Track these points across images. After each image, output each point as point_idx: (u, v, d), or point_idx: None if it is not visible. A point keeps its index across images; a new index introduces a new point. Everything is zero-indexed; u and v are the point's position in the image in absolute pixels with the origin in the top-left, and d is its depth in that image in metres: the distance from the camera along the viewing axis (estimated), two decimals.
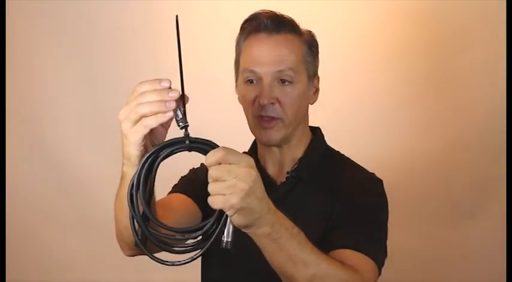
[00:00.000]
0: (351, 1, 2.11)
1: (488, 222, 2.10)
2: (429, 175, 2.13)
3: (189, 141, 0.86)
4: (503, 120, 1.87)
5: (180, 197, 1.24)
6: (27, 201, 2.25)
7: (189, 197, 1.24)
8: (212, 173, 0.83)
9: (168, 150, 0.86)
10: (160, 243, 0.88)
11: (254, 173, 0.84)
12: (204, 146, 0.87)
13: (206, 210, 1.22)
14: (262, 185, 0.86)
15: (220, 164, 0.83)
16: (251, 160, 0.85)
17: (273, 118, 1.18)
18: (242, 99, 1.23)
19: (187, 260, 0.89)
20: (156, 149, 0.87)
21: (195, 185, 1.25)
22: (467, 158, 2.13)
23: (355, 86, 2.13)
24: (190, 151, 0.87)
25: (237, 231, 0.87)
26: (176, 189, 1.28)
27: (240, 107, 1.26)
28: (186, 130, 0.87)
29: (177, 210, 1.17)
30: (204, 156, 0.86)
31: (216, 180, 0.83)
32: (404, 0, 2.09)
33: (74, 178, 2.24)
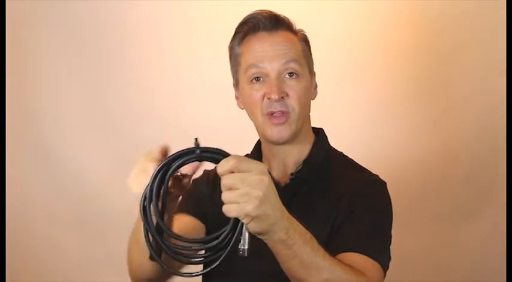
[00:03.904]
0: (348, 1, 2.10)
1: (488, 222, 2.10)
2: (429, 175, 2.13)
3: (200, 151, 0.87)
4: (503, 119, 1.87)
5: (184, 220, 1.24)
6: (27, 200, 2.25)
7: (192, 216, 1.25)
8: (225, 181, 0.84)
9: (179, 162, 0.87)
10: (176, 255, 0.88)
11: (267, 179, 0.85)
12: (215, 155, 0.87)
13: (207, 223, 1.24)
14: (276, 192, 0.88)
15: (232, 172, 0.84)
16: (263, 167, 0.86)
17: (283, 113, 1.18)
18: (248, 99, 1.22)
19: (206, 270, 0.90)
20: (166, 161, 0.87)
21: (195, 200, 1.26)
22: (467, 157, 2.13)
23: (354, 85, 2.13)
24: (201, 161, 0.88)
25: (252, 238, 0.88)
26: (178, 208, 1.28)
27: (237, 111, 1.25)
28: (197, 140, 0.88)
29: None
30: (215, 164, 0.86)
31: (229, 188, 0.84)
32: (403, 0, 2.09)
33: (74, 178, 2.24)
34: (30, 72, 2.24)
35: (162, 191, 0.89)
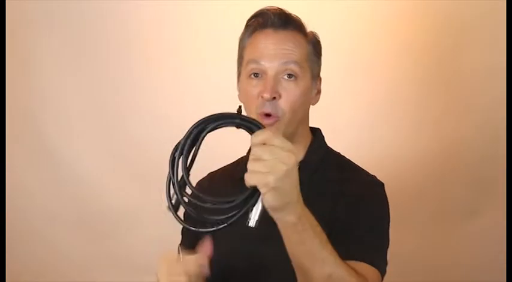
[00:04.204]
0: (349, 1, 2.10)
1: (488, 222, 2.10)
2: (428, 175, 2.13)
3: (240, 119, 0.90)
4: (503, 119, 1.87)
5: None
6: (27, 200, 2.25)
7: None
8: (255, 151, 0.87)
9: (217, 123, 0.89)
10: (190, 209, 0.90)
11: (294, 158, 0.88)
12: (252, 125, 0.90)
13: None
14: (298, 175, 0.90)
15: (264, 144, 0.87)
16: (293, 146, 0.89)
17: (272, 116, 1.16)
18: (245, 95, 1.21)
19: (214, 229, 0.92)
20: (205, 119, 0.89)
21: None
22: (467, 157, 2.13)
23: (354, 86, 2.13)
24: (238, 128, 0.90)
25: (265, 216, 0.90)
26: (184, 244, 1.30)
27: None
28: (240, 108, 0.91)
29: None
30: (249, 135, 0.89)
31: (257, 159, 0.87)
32: (403, 1, 2.10)
33: (74, 178, 2.24)
34: (30, 72, 2.24)
35: (194, 149, 0.90)
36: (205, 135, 0.89)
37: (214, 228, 0.91)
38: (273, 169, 0.86)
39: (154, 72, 2.19)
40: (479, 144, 2.11)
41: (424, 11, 2.10)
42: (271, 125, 1.16)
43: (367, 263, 1.08)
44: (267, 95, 1.14)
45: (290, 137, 1.19)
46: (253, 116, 1.18)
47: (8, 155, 2.10)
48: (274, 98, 1.15)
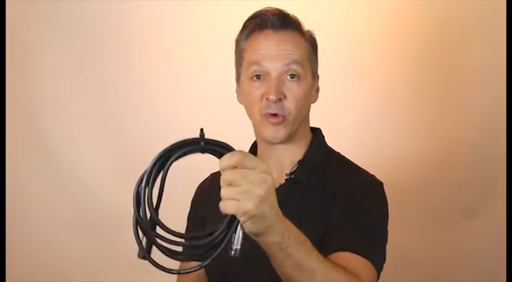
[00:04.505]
0: (348, 1, 2.10)
1: (488, 221, 2.10)
2: (428, 175, 2.13)
3: (204, 143, 0.83)
4: (503, 119, 1.87)
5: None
6: (27, 200, 2.24)
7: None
8: (226, 176, 0.81)
9: (181, 151, 0.83)
10: (166, 250, 0.83)
11: (270, 179, 0.83)
12: (219, 148, 0.84)
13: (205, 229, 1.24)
14: (275, 193, 0.86)
15: (235, 168, 0.81)
16: (268, 166, 0.84)
17: (279, 115, 1.17)
18: (247, 97, 1.21)
19: (196, 268, 0.86)
20: (168, 149, 0.83)
21: (192, 225, 1.29)
22: (467, 157, 2.13)
23: (353, 85, 2.13)
24: (203, 153, 0.84)
25: (247, 239, 0.85)
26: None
27: (240, 112, 1.25)
28: (202, 131, 0.83)
29: None
30: (218, 158, 0.84)
31: (230, 184, 0.81)
32: (403, 0, 2.10)
33: (74, 178, 2.24)
34: (30, 72, 2.23)
35: (160, 180, 0.84)
36: (170, 165, 0.83)
37: (198, 267, 0.85)
38: (250, 195, 0.80)
39: (154, 72, 2.19)
40: (479, 144, 2.11)
41: (423, 11, 2.10)
42: (278, 124, 1.17)
43: (361, 256, 1.07)
44: (272, 97, 1.15)
45: (291, 136, 1.21)
46: (257, 117, 1.20)
47: (8, 155, 2.09)
48: (280, 99, 1.16)
